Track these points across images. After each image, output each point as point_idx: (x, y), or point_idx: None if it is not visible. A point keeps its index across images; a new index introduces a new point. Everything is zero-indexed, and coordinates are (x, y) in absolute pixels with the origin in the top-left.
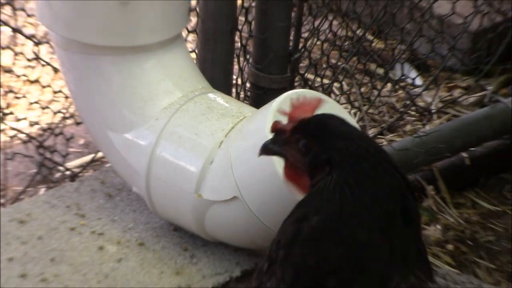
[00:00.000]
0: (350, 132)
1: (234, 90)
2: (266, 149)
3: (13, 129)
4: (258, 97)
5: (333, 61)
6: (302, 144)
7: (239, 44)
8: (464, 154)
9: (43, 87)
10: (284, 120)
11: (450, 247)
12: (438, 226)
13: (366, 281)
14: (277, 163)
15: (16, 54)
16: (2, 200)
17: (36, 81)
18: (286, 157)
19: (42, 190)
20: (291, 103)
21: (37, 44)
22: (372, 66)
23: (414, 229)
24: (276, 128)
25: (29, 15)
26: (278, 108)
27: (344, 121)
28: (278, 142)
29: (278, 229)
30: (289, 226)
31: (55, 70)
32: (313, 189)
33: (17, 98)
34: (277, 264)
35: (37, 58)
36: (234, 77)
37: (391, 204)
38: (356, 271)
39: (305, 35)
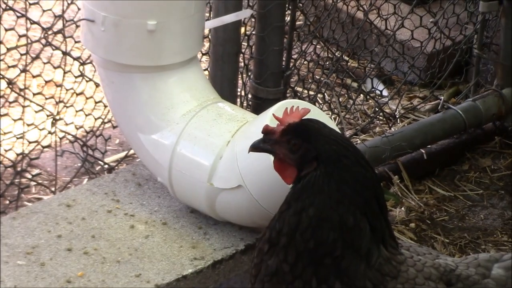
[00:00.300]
0: (332, 134)
1: (238, 100)
2: (256, 147)
3: (63, 131)
4: (258, 106)
5: (317, 76)
6: (293, 144)
7: (242, 64)
8: (422, 150)
9: (87, 98)
10: (274, 125)
11: (412, 225)
12: (403, 208)
13: (354, 257)
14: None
15: (65, 72)
16: (53, 188)
17: (81, 93)
18: (275, 153)
19: (85, 180)
20: (285, 111)
21: (82, 64)
22: (348, 81)
23: (384, 212)
24: (267, 130)
25: (76, 41)
26: (273, 113)
27: (326, 126)
28: (268, 142)
29: (278, 218)
30: (291, 218)
31: (96, 85)
32: (305, 182)
33: (66, 107)
34: (279, 247)
35: (82, 75)
36: (239, 89)
37: (367, 193)
38: (347, 249)
39: (295, 56)
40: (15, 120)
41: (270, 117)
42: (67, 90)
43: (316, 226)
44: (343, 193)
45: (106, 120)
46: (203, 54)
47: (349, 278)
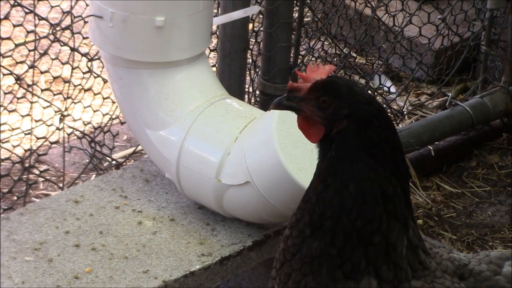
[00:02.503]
0: (364, 93)
1: (246, 96)
2: (279, 104)
3: (71, 127)
4: (265, 102)
5: None
6: (322, 101)
7: (250, 60)
8: (430, 147)
9: (95, 94)
10: (281, 122)
11: (420, 222)
12: None
13: (398, 228)
14: (281, 153)
15: (73, 68)
16: (61, 184)
17: (89, 89)
18: (301, 111)
19: (93, 176)
20: (308, 67)
21: (90, 60)
22: (356, 77)
23: (408, 174)
24: (292, 87)
25: (84, 37)
26: (281, 111)
27: (355, 84)
28: (293, 99)
29: (316, 200)
30: (333, 199)
31: (104, 81)
32: (336, 151)
33: (74, 103)
34: (324, 230)
35: (90, 71)
36: (246, 86)
37: (397, 156)
38: (391, 220)
39: (303, 52)
40: (23, 116)
41: (278, 113)
42: (75, 86)
43: (361, 203)
44: (377, 159)
45: (114, 116)
46: (211, 51)
47: (396, 254)
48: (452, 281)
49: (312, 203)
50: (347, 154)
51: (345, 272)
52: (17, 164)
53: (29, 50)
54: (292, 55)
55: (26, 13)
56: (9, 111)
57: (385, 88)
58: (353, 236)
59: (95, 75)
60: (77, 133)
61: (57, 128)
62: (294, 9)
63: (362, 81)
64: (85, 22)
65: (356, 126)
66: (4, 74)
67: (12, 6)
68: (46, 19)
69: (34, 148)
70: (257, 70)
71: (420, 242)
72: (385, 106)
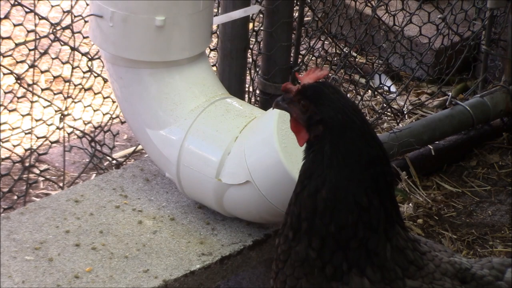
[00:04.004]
0: (341, 102)
1: (246, 96)
2: (277, 104)
3: (71, 127)
4: (266, 102)
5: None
6: (302, 105)
7: (250, 60)
8: (430, 146)
9: (95, 93)
10: (282, 122)
11: (420, 221)
12: (410, 204)
13: (377, 237)
14: (281, 153)
15: (74, 67)
16: (61, 184)
17: (90, 89)
18: (289, 112)
19: (93, 176)
20: (309, 70)
21: (90, 59)
22: (356, 77)
23: (390, 189)
24: (286, 88)
25: (84, 37)
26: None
27: (339, 92)
28: (285, 100)
29: (294, 201)
30: (307, 201)
31: (105, 80)
32: (313, 154)
33: (75, 102)
34: (302, 233)
35: (91, 70)
36: (247, 85)
37: (374, 170)
38: (369, 230)
39: (303, 52)
40: (23, 116)
41: (278, 112)
42: (75, 85)
43: (333, 209)
44: (351, 168)
45: (114, 116)
46: (211, 50)
47: (379, 259)
48: (452, 284)
49: (292, 204)
50: (322, 160)
51: (329, 274)
52: (17, 164)
53: (29, 50)
54: (292, 54)
55: (27, 12)
56: (10, 111)
57: (385, 88)
58: (329, 240)
59: (96, 75)
60: (78, 132)
61: (58, 128)
62: (295, 8)
63: (363, 80)
64: (85, 22)
65: (330, 134)
66: (4, 74)
67: (13, 5)
68: (46, 19)
69: (35, 147)
70: (258, 69)
71: (408, 243)
72: (385, 105)
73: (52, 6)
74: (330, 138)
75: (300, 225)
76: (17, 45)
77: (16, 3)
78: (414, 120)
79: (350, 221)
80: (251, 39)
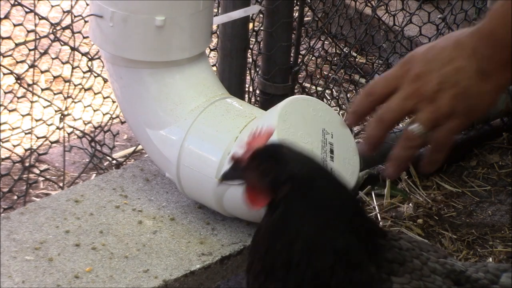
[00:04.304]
0: (303, 155)
1: (246, 96)
2: (227, 177)
3: (71, 127)
4: (266, 102)
5: (325, 72)
6: (263, 168)
7: (250, 60)
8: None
9: (95, 93)
10: (283, 121)
11: (420, 221)
12: (410, 204)
13: (359, 271)
14: None
15: (74, 67)
16: (61, 184)
17: (90, 89)
18: (245, 181)
19: (93, 176)
20: (249, 135)
21: (90, 59)
22: (356, 77)
23: (364, 223)
24: (234, 158)
25: (84, 37)
26: (282, 110)
27: (293, 147)
28: (238, 169)
29: (265, 253)
30: (281, 255)
31: (105, 80)
32: (282, 210)
33: (74, 102)
34: (277, 279)
35: (91, 70)
36: (247, 85)
37: (348, 211)
38: (348, 267)
39: (303, 52)
40: (23, 116)
41: (279, 112)
42: (75, 85)
43: (309, 258)
44: (325, 218)
45: (114, 116)
46: (211, 50)
47: (366, 280)
48: (443, 282)
49: (262, 252)
50: (293, 216)
51: None
52: (17, 164)
53: (29, 50)
54: (292, 54)
55: (27, 12)
56: (10, 111)
57: None
58: (305, 284)
59: (96, 75)
60: (78, 132)
61: (58, 128)
62: (295, 8)
63: (363, 80)
64: (86, 22)
65: (299, 190)
66: (4, 74)
67: (12, 5)
68: (46, 19)
69: (35, 147)
70: (257, 69)
71: (382, 249)
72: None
73: (52, 6)
74: (299, 193)
75: (274, 272)
76: (17, 45)
77: (16, 3)
78: None
79: (327, 265)
80: (251, 39)
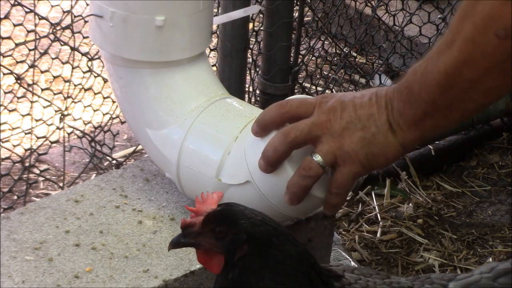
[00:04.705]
0: (257, 215)
1: (246, 96)
2: (177, 244)
3: (71, 127)
4: (266, 102)
5: (325, 72)
6: (218, 231)
7: (250, 60)
8: (430, 146)
9: (95, 93)
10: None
11: (420, 221)
12: (410, 204)
13: None
14: None
15: (74, 67)
16: (61, 184)
17: (90, 89)
18: (200, 245)
19: (93, 176)
20: (196, 199)
21: (90, 59)
22: (356, 77)
23: (319, 274)
24: (185, 224)
25: (84, 37)
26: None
27: (246, 207)
28: (189, 235)
29: None
30: None
31: (105, 80)
32: (240, 271)
33: (74, 102)
34: None
35: (90, 70)
36: (247, 85)
37: (305, 266)
38: None
39: (303, 52)
40: (23, 116)
41: None
42: (75, 85)
43: None
44: (283, 273)
45: (114, 116)
46: (211, 50)
47: None
48: None
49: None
50: (252, 275)
51: None
52: (17, 164)
53: (29, 50)
54: (292, 54)
55: (26, 12)
56: (10, 111)
57: None
58: None
59: (95, 75)
60: (77, 132)
61: (57, 128)
62: (295, 8)
63: (363, 80)
64: (85, 22)
65: (257, 248)
66: (4, 74)
67: (12, 5)
68: (46, 19)
69: (35, 147)
70: (257, 69)
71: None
72: None
73: (52, 6)
74: (258, 252)
75: None
76: (17, 45)
77: (16, 3)
78: None
79: None
80: (251, 39)
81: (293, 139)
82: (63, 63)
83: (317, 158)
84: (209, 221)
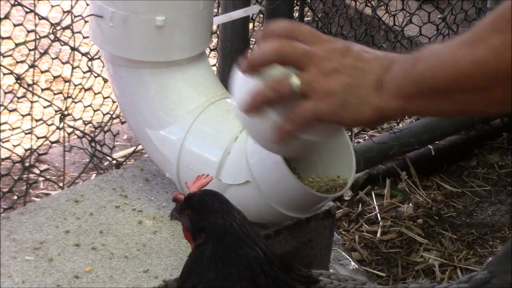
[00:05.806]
0: (223, 210)
1: None
2: (172, 215)
3: (71, 127)
4: None
5: None
6: (187, 214)
7: None
8: (430, 146)
9: (95, 94)
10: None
11: (420, 221)
12: (410, 204)
13: None
14: None
15: (74, 67)
16: (61, 184)
17: (90, 89)
18: (182, 222)
19: (93, 176)
20: (196, 178)
21: (90, 59)
22: None
23: (271, 284)
24: (176, 198)
25: (84, 37)
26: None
27: (221, 199)
28: (177, 210)
29: None
30: None
31: (105, 80)
32: (194, 256)
33: (75, 102)
34: None
35: (91, 70)
36: None
37: (253, 272)
38: None
39: None
40: (23, 116)
41: None
42: (75, 85)
43: None
44: (229, 271)
45: (114, 116)
46: (211, 50)
47: None
48: None
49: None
50: (202, 262)
51: None
52: (17, 164)
53: (29, 50)
54: None
55: (27, 12)
56: (10, 111)
57: None
58: None
59: (96, 75)
60: (78, 132)
61: (58, 128)
62: (295, 8)
63: None
64: (86, 22)
65: (212, 239)
66: (4, 74)
67: (13, 5)
68: (46, 19)
69: (35, 147)
70: None
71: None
72: None
73: (52, 6)
74: (211, 243)
75: None
76: (17, 45)
77: (16, 3)
78: (414, 120)
79: None
80: (251, 39)
81: (283, 52)
82: (63, 63)
83: (294, 80)
84: (184, 202)
